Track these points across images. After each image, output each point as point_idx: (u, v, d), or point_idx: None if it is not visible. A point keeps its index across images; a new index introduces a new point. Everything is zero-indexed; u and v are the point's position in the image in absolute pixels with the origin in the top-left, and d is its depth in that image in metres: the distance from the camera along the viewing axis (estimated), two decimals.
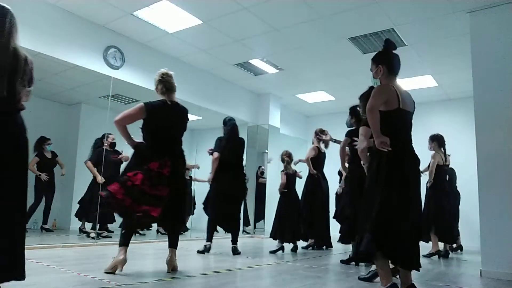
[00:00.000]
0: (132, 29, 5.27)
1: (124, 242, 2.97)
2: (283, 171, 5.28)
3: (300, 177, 5.49)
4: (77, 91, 6.40)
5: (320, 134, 5.38)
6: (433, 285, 2.99)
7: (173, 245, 3.15)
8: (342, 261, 4.10)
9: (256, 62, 6.34)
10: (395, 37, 5.07)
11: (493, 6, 4.01)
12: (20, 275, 1.82)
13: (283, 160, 5.33)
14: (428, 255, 4.92)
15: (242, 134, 5.17)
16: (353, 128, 4.06)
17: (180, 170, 3.14)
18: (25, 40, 4.41)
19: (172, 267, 3.07)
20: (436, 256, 4.96)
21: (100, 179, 5.45)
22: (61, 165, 6.19)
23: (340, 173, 6.32)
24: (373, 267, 3.05)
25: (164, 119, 3.11)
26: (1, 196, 1.78)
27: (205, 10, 4.69)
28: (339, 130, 7.58)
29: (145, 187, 2.80)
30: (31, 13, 4.42)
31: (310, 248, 5.43)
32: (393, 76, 2.47)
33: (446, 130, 5.47)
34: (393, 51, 2.52)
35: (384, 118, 2.31)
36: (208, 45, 5.73)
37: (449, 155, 5.35)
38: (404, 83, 6.80)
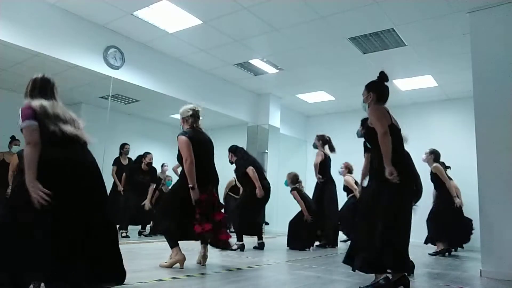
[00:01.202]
0: (132, 29, 5.27)
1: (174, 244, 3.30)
2: (293, 190, 5.42)
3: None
4: (77, 91, 6.39)
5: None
6: (433, 285, 2.99)
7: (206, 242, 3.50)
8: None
9: (256, 62, 6.34)
10: (395, 37, 5.07)
11: (493, 6, 4.00)
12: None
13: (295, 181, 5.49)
14: (434, 254, 4.99)
15: (242, 134, 5.23)
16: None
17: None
18: (25, 40, 4.45)
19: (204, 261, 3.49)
20: (441, 254, 5.00)
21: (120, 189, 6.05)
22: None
23: (345, 189, 6.34)
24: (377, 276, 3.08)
25: (201, 145, 3.43)
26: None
27: (205, 10, 4.69)
28: (339, 130, 7.63)
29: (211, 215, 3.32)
30: (31, 13, 4.42)
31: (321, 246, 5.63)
32: (382, 102, 2.78)
33: (446, 130, 5.47)
34: (385, 83, 2.82)
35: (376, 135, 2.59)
36: (208, 45, 5.73)
37: (448, 167, 5.30)
38: (404, 83, 6.81)
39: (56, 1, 4.58)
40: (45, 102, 2.12)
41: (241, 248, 4.83)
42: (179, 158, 3.35)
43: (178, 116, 3.59)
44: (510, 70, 3.77)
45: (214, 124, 4.90)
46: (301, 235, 5.24)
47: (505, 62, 3.82)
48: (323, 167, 5.52)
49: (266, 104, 8.03)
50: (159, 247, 4.93)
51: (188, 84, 6.50)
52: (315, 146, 5.65)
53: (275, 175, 7.73)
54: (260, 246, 5.03)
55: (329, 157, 5.62)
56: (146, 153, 6.14)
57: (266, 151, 7.91)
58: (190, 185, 3.21)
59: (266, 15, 4.72)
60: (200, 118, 3.54)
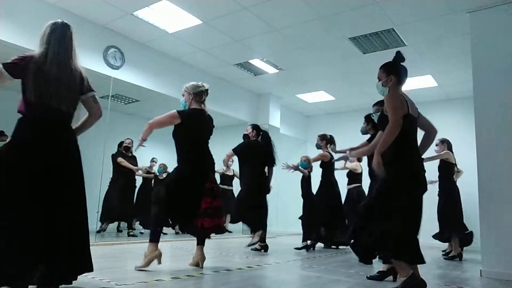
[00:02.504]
0: (132, 29, 5.27)
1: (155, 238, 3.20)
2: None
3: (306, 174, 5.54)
4: None
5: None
6: (433, 285, 2.99)
7: (202, 243, 3.42)
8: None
9: (256, 62, 6.34)
10: (395, 37, 5.07)
11: (493, 6, 4.00)
12: (90, 269, 2.15)
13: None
14: (451, 257, 4.90)
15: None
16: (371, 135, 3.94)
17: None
18: (25, 40, 4.44)
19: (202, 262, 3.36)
20: (458, 258, 4.86)
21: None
22: None
23: (348, 175, 6.32)
24: (383, 266, 3.14)
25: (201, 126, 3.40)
26: (65, 201, 1.99)
27: (205, 10, 4.69)
28: (339, 130, 7.61)
29: (215, 204, 3.30)
30: (31, 13, 4.42)
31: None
32: (400, 86, 2.65)
33: (446, 130, 5.44)
34: (402, 64, 2.68)
35: None
36: (208, 45, 5.73)
37: (459, 172, 5.22)
38: (404, 83, 6.81)
39: (56, 1, 4.58)
40: (44, 55, 2.06)
41: (265, 248, 4.82)
42: (174, 134, 3.32)
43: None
44: (510, 70, 3.78)
45: (214, 124, 4.88)
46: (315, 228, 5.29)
47: (505, 62, 3.82)
48: (328, 166, 5.47)
49: (266, 104, 8.04)
50: (159, 247, 4.92)
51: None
52: (318, 147, 5.54)
53: (275, 175, 7.73)
54: (264, 249, 4.89)
55: (333, 157, 5.51)
56: (126, 139, 6.19)
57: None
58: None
59: (266, 15, 4.72)
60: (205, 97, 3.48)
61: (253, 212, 4.84)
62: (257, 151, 4.90)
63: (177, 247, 4.98)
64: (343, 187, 6.20)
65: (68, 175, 2.03)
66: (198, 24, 5.00)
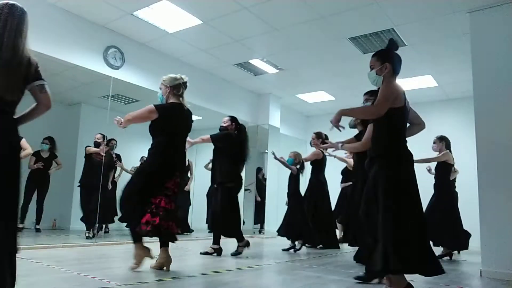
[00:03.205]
0: (132, 29, 5.27)
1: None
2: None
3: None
4: (77, 91, 6.40)
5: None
6: (433, 285, 2.99)
7: (166, 244, 3.15)
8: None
9: (256, 62, 6.34)
10: (395, 37, 5.06)
11: (493, 6, 4.00)
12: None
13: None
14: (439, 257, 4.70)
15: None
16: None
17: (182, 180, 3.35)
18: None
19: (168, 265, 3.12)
20: (447, 257, 4.75)
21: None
22: (58, 164, 6.11)
23: (343, 173, 6.31)
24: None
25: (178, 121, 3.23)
26: None
27: (205, 10, 4.69)
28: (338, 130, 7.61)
29: (168, 206, 3.04)
30: (31, 13, 4.39)
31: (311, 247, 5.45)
32: (396, 75, 2.48)
33: (446, 130, 5.45)
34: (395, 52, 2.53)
35: (390, 115, 2.34)
36: (208, 45, 5.73)
37: (455, 171, 5.16)
38: (404, 83, 6.80)
39: (56, 1, 4.58)
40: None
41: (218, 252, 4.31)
42: (150, 128, 3.19)
43: None
44: (510, 70, 3.78)
45: (214, 124, 4.87)
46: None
47: (505, 62, 3.82)
48: (319, 165, 5.41)
49: (266, 104, 8.03)
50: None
51: (188, 84, 6.48)
52: (312, 145, 5.43)
53: (275, 175, 7.74)
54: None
55: (325, 156, 5.47)
56: (96, 134, 5.82)
57: (266, 151, 7.91)
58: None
59: (266, 15, 4.72)
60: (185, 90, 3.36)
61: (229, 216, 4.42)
62: (234, 144, 4.45)
63: (177, 247, 4.97)
64: (335, 184, 6.19)
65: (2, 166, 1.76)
66: (198, 24, 5.00)
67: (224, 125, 4.51)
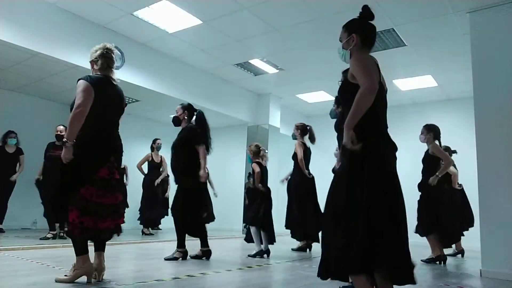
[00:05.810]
0: (132, 29, 5.27)
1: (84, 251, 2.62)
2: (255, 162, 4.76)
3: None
4: None
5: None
6: (433, 285, 2.99)
7: (101, 248, 2.75)
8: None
9: (256, 62, 6.34)
10: (395, 37, 5.07)
11: (493, 6, 4.00)
12: None
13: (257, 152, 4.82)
14: (427, 260, 4.33)
15: (242, 134, 5.11)
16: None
17: (120, 166, 2.78)
18: (25, 40, 4.44)
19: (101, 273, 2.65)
20: (437, 262, 4.31)
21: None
22: (21, 164, 5.80)
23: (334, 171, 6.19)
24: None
25: (108, 99, 2.75)
26: None
27: (205, 10, 4.69)
28: None
29: (101, 200, 2.53)
30: (31, 13, 4.42)
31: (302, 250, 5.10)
32: (368, 49, 2.03)
33: (446, 130, 5.44)
34: (370, 22, 2.05)
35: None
36: (208, 45, 5.73)
37: (454, 152, 5.04)
38: (404, 83, 6.81)
39: (56, 1, 4.58)
40: None
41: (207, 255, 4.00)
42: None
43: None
44: (510, 70, 3.78)
45: (214, 124, 4.87)
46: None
47: (505, 62, 3.82)
48: (304, 159, 5.08)
49: (266, 104, 8.04)
50: (160, 247, 4.93)
51: (188, 84, 6.50)
52: (294, 137, 5.19)
53: (275, 176, 7.74)
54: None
55: (309, 148, 5.15)
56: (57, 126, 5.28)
57: (266, 151, 7.91)
58: (65, 139, 2.43)
59: (266, 15, 4.72)
60: (115, 63, 2.96)
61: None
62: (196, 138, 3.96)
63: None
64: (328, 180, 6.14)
65: None
66: (198, 24, 5.00)
67: (176, 115, 4.10)
